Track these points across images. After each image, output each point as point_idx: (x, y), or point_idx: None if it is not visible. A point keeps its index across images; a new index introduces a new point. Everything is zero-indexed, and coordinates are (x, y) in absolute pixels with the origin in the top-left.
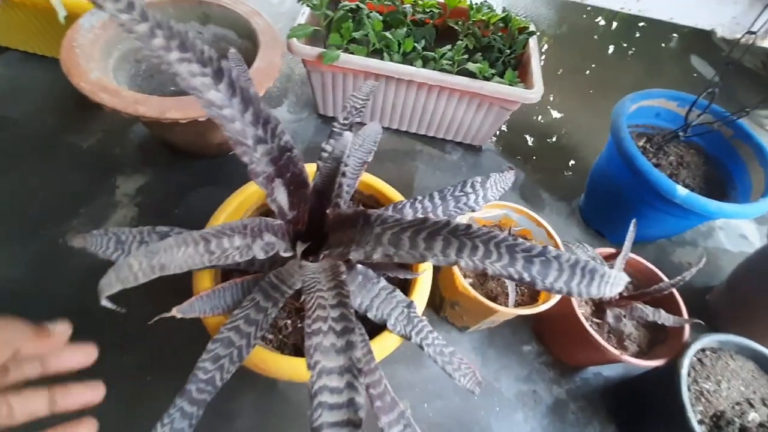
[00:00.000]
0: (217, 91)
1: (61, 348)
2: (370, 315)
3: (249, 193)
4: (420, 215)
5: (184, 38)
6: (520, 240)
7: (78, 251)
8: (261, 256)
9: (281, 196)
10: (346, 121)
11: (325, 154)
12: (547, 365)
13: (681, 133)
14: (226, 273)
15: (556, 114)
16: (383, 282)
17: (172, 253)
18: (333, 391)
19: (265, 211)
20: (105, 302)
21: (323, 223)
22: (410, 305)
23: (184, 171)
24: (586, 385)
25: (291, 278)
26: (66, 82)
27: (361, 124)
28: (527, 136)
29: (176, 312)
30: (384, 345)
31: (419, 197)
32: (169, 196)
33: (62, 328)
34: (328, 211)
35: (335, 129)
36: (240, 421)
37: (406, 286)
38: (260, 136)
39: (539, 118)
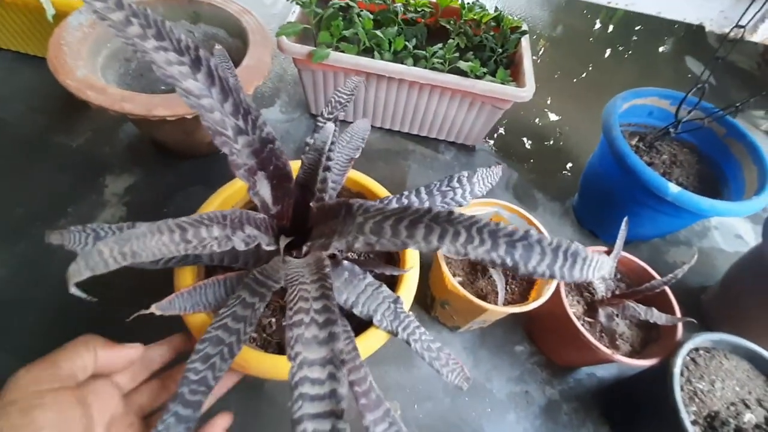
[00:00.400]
0: (195, 80)
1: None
2: (356, 311)
3: (235, 189)
4: None
5: (160, 27)
6: (502, 224)
7: (65, 250)
8: (241, 247)
9: (264, 190)
10: (330, 116)
11: (308, 149)
12: (540, 366)
13: (672, 130)
14: (209, 271)
15: (553, 116)
16: (370, 278)
17: (146, 240)
18: (314, 382)
19: (251, 208)
20: (74, 290)
21: (307, 217)
22: (397, 300)
23: (174, 171)
24: (579, 386)
25: (276, 273)
26: (56, 82)
27: (346, 122)
28: (524, 139)
29: (155, 309)
30: (370, 342)
31: (405, 192)
32: (158, 195)
33: (135, 347)
34: (311, 203)
35: (319, 123)
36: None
37: (393, 283)
38: (241, 127)
39: (536, 120)
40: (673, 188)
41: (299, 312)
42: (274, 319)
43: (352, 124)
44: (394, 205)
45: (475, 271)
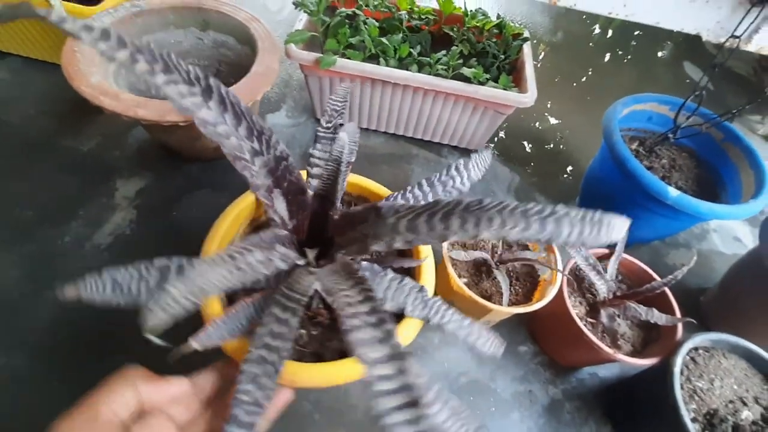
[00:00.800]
0: (208, 108)
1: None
2: (387, 306)
3: (243, 207)
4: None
5: (167, 60)
6: (531, 204)
7: (74, 252)
8: (282, 266)
9: (280, 206)
10: (329, 125)
11: (314, 159)
12: (543, 365)
13: (670, 135)
14: (230, 297)
15: (553, 120)
16: (391, 273)
17: (207, 275)
18: (386, 378)
19: (260, 224)
20: (154, 339)
21: (325, 227)
22: (422, 289)
23: (182, 174)
24: (582, 386)
25: (302, 286)
26: (66, 87)
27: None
28: (525, 142)
29: (196, 344)
30: (407, 331)
31: (408, 187)
32: (168, 199)
33: (180, 382)
34: (331, 212)
35: (320, 133)
36: None
37: (411, 274)
38: (256, 148)
39: (536, 124)
40: (673, 192)
41: (351, 317)
42: (304, 331)
43: (341, 128)
44: (400, 201)
45: (479, 273)
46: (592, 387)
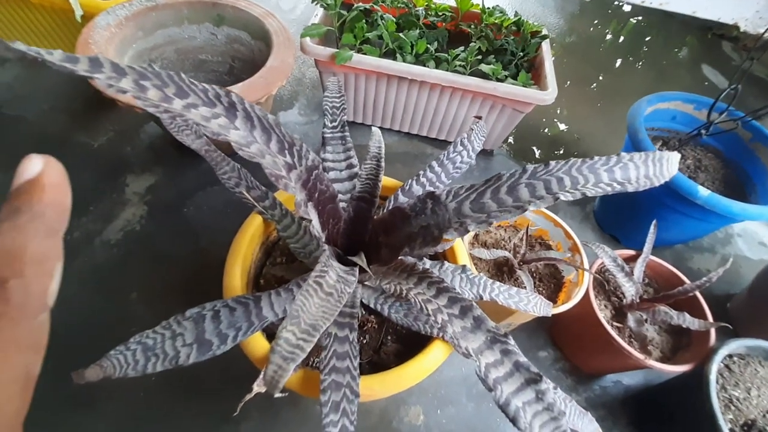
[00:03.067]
0: (236, 128)
1: None
2: None
3: (255, 227)
4: (428, 188)
5: (178, 81)
6: (596, 157)
7: (84, 248)
8: (353, 280)
9: (314, 221)
10: (334, 124)
11: (328, 164)
12: (565, 372)
13: (703, 131)
14: (265, 330)
15: (563, 126)
16: (428, 261)
17: (309, 308)
18: (496, 365)
19: (274, 240)
20: (278, 394)
21: (363, 230)
22: (464, 269)
23: (194, 171)
24: (606, 394)
25: (350, 299)
26: (78, 83)
27: (355, 124)
28: (538, 143)
29: (260, 388)
30: None
31: (420, 172)
32: (179, 195)
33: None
34: (372, 213)
35: (327, 135)
36: (246, 425)
37: (445, 258)
38: (290, 162)
39: (546, 130)
40: (703, 191)
41: (435, 314)
42: None
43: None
44: (416, 186)
45: (501, 272)
46: (617, 395)
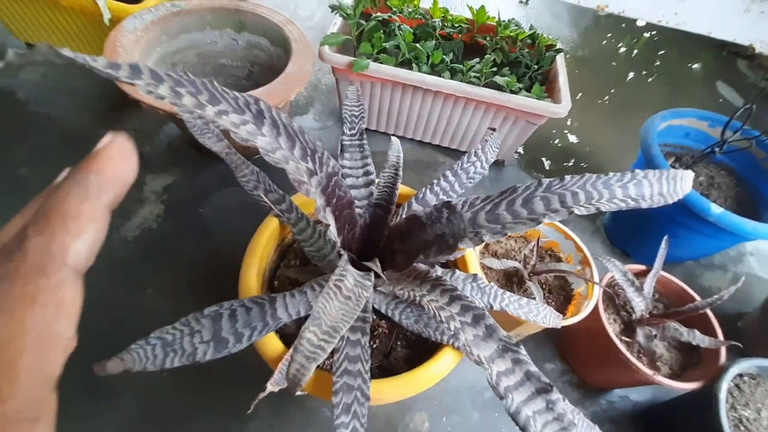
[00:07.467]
0: (263, 135)
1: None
2: None
3: (272, 229)
4: (442, 197)
5: (210, 89)
6: (611, 173)
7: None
8: (369, 285)
9: (332, 226)
10: (353, 131)
11: (346, 170)
12: (571, 385)
13: (716, 149)
14: (279, 332)
15: (573, 138)
16: (439, 269)
17: (329, 311)
18: (507, 373)
19: (288, 243)
20: (298, 392)
21: (378, 237)
22: (475, 278)
23: (211, 172)
24: (612, 409)
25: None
26: (102, 82)
27: (368, 131)
28: (543, 159)
29: (274, 387)
30: None
31: (435, 181)
32: (195, 195)
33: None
34: (389, 220)
35: (345, 142)
36: (254, 423)
37: (456, 267)
38: (311, 168)
39: (556, 141)
40: (716, 209)
41: (448, 321)
42: None
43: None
44: (430, 195)
45: (510, 283)
46: (624, 410)
